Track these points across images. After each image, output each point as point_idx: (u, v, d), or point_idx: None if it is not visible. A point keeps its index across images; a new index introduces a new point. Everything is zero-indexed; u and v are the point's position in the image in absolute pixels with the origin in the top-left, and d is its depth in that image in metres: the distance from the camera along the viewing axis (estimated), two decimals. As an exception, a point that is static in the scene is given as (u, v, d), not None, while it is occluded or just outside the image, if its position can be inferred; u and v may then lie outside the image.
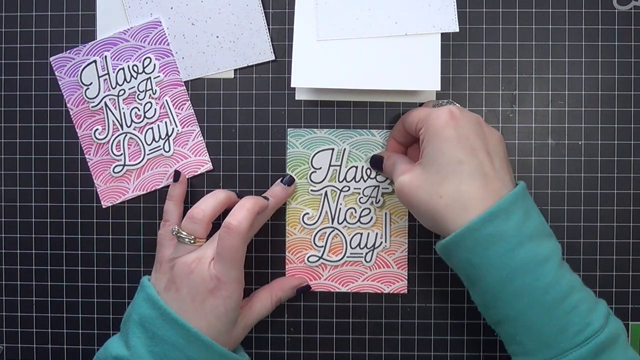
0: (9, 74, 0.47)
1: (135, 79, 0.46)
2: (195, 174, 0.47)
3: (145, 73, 0.46)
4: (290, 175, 0.46)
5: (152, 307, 0.39)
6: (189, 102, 0.47)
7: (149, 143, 0.47)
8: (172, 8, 0.46)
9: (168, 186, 0.46)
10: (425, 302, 0.47)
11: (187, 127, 0.47)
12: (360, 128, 0.46)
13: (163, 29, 0.46)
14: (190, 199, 0.46)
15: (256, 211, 0.41)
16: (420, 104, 0.46)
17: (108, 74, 0.46)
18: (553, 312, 0.35)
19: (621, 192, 0.46)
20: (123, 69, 0.46)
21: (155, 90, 0.46)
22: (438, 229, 0.39)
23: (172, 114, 0.46)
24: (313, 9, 0.44)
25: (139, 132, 0.47)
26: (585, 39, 0.46)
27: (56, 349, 0.47)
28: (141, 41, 0.46)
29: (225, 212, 0.42)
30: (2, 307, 0.47)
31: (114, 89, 0.46)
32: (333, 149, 0.46)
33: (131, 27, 0.46)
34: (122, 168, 0.47)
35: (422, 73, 0.43)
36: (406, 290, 0.46)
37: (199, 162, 0.47)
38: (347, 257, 0.46)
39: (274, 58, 0.46)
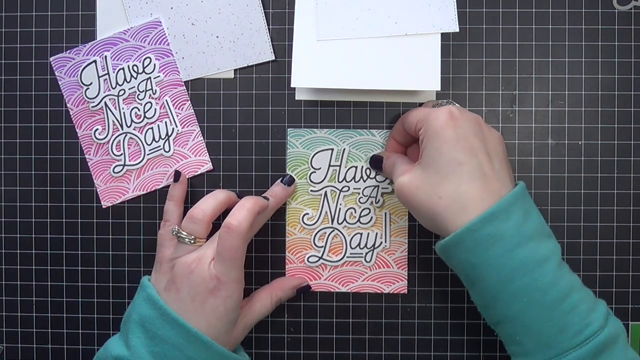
0: (9, 74, 0.47)
1: (135, 79, 0.46)
2: (195, 174, 0.47)
3: (145, 73, 0.46)
4: (290, 175, 0.46)
5: (152, 307, 0.39)
6: (189, 102, 0.47)
7: (149, 143, 0.47)
8: (172, 8, 0.46)
9: (168, 186, 0.46)
10: (425, 302, 0.47)
11: (187, 127, 0.47)
12: (360, 128, 0.46)
13: (163, 29, 0.46)
14: (190, 199, 0.46)
15: (256, 211, 0.41)
16: (420, 104, 0.46)
17: (108, 74, 0.46)
18: (552, 313, 0.35)
19: (621, 192, 0.46)
20: (123, 69, 0.46)
21: (155, 90, 0.46)
22: (437, 230, 0.39)
23: (172, 114, 0.46)
24: (313, 9, 0.44)
25: (139, 132, 0.47)
26: (585, 39, 0.46)
27: (56, 349, 0.47)
28: (141, 41, 0.46)
29: (226, 212, 0.42)
30: (2, 307, 0.47)
31: (114, 89, 0.46)
32: (333, 149, 0.46)
33: (131, 27, 0.46)
34: (122, 168, 0.47)
35: (422, 73, 0.43)
36: (406, 290, 0.46)
37: (199, 162, 0.47)
38: (347, 257, 0.46)
39: (274, 58, 0.46)
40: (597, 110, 0.46)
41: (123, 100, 0.46)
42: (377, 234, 0.46)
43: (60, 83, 0.47)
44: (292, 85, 0.43)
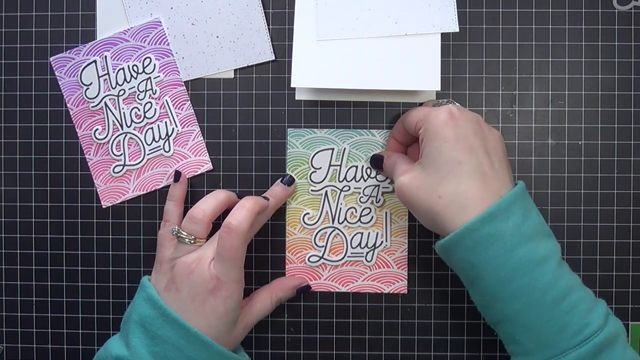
0: (9, 74, 0.47)
1: (135, 79, 0.46)
2: (195, 174, 0.47)
3: (145, 73, 0.46)
4: (290, 175, 0.46)
5: (153, 307, 0.39)
6: (189, 102, 0.47)
7: (149, 143, 0.47)
8: (172, 8, 0.46)
9: (168, 186, 0.46)
10: (425, 302, 0.47)
11: (187, 127, 0.47)
12: (360, 128, 0.46)
13: (163, 29, 0.46)
14: (190, 199, 0.46)
15: (256, 211, 0.41)
16: (420, 104, 0.46)
17: (108, 74, 0.46)
18: (552, 312, 0.35)
19: (621, 192, 0.46)
20: (123, 69, 0.46)
21: (155, 90, 0.46)
22: (437, 229, 0.39)
23: (172, 114, 0.46)
24: (313, 9, 0.44)
25: (139, 132, 0.47)
26: (585, 39, 0.46)
27: (56, 349, 0.47)
28: (141, 41, 0.46)
29: (226, 212, 0.42)
30: (2, 307, 0.47)
31: (114, 89, 0.46)
32: (333, 149, 0.46)
33: (131, 27, 0.46)
34: (122, 168, 0.47)
35: (422, 73, 0.43)
36: (406, 290, 0.46)
37: (199, 162, 0.47)
38: (348, 256, 0.46)
39: (274, 58, 0.46)
40: (597, 110, 0.46)
41: (123, 100, 0.46)
42: (377, 233, 0.46)
43: (60, 83, 0.47)
44: (292, 85, 0.43)
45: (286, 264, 0.47)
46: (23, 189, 0.47)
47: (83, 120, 0.47)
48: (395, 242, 0.46)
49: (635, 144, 0.46)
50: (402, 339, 0.47)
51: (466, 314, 0.46)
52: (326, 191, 0.46)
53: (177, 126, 0.47)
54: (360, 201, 0.46)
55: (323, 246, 0.46)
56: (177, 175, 0.44)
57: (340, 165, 0.46)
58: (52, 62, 0.47)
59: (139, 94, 0.46)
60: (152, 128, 0.47)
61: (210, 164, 0.47)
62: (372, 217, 0.46)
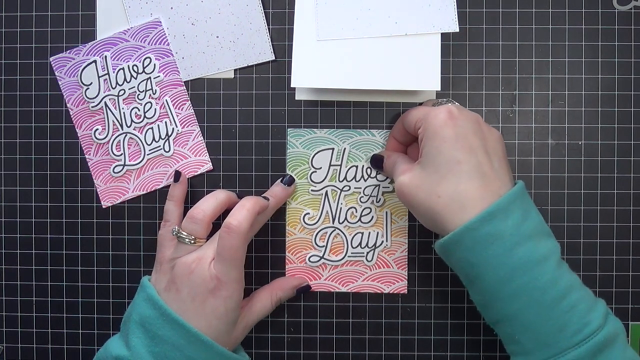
0: (9, 74, 0.47)
1: (135, 79, 0.46)
2: (195, 174, 0.47)
3: (145, 73, 0.46)
4: (290, 175, 0.46)
5: (153, 307, 0.39)
6: (189, 102, 0.47)
7: (149, 143, 0.47)
8: (172, 8, 0.46)
9: (168, 186, 0.46)
10: (425, 302, 0.47)
11: (187, 127, 0.47)
12: (360, 128, 0.46)
13: (163, 29, 0.46)
14: (190, 199, 0.46)
15: (256, 211, 0.41)
16: (420, 104, 0.46)
17: (108, 74, 0.46)
18: (551, 312, 0.35)
19: (621, 192, 0.46)
20: (123, 69, 0.46)
21: (155, 90, 0.46)
22: (437, 229, 0.39)
23: (172, 114, 0.46)
24: (313, 9, 0.44)
25: (139, 132, 0.47)
26: (585, 39, 0.46)
27: (56, 349, 0.47)
28: (141, 41, 0.46)
29: (226, 213, 0.42)
30: (2, 307, 0.47)
31: (114, 89, 0.46)
32: (333, 149, 0.46)
33: (131, 27, 0.46)
34: (122, 168, 0.47)
35: (422, 73, 0.43)
36: (406, 290, 0.46)
37: (199, 162, 0.47)
38: (349, 256, 0.46)
39: (274, 58, 0.46)
40: (597, 110, 0.46)
41: (123, 100, 0.46)
42: (378, 233, 0.46)
43: (60, 83, 0.47)
44: (292, 85, 0.43)
45: (286, 264, 0.47)
46: (23, 189, 0.47)
47: (83, 120, 0.47)
48: (396, 242, 0.46)
49: (635, 144, 0.46)
50: (402, 339, 0.47)
51: (466, 314, 0.46)
52: (326, 191, 0.46)
53: (177, 126, 0.47)
54: (361, 201, 0.46)
55: (323, 246, 0.46)
56: (177, 175, 0.44)
57: (341, 165, 0.46)
58: (52, 62, 0.47)
59: (139, 94, 0.46)
60: (152, 128, 0.47)
61: (210, 164, 0.47)
62: (373, 216, 0.46)
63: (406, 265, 0.46)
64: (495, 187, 0.37)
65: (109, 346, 0.40)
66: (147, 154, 0.47)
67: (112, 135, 0.47)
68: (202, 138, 0.47)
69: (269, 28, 0.46)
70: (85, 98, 0.46)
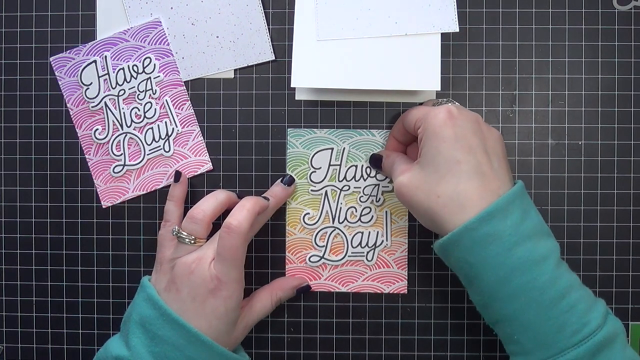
0: (9, 74, 0.47)
1: (135, 79, 0.46)
2: (195, 174, 0.47)
3: (145, 73, 0.46)
4: (290, 175, 0.46)
5: (153, 307, 0.39)
6: (189, 102, 0.47)
7: (149, 143, 0.47)
8: (172, 8, 0.46)
9: (168, 186, 0.46)
10: (425, 302, 0.47)
11: (187, 127, 0.47)
12: (360, 128, 0.46)
13: (163, 29, 0.46)
14: (190, 199, 0.46)
15: (256, 211, 0.41)
16: (421, 104, 0.46)
17: (108, 74, 0.46)
18: (550, 312, 0.35)
19: (621, 192, 0.46)
20: (123, 69, 0.46)
21: (155, 90, 0.46)
22: (436, 229, 0.39)
23: (172, 114, 0.46)
24: (313, 9, 0.44)
25: (139, 132, 0.47)
26: (585, 39, 0.46)
27: (56, 349, 0.47)
28: (141, 41, 0.46)
29: (226, 213, 0.42)
30: (2, 307, 0.47)
31: (114, 89, 0.46)
32: (332, 149, 0.46)
33: (131, 27, 0.46)
34: (122, 168, 0.47)
35: (422, 73, 0.43)
36: (406, 290, 0.46)
37: (199, 162, 0.47)
38: (349, 256, 0.46)
39: (274, 58, 0.46)
40: (597, 110, 0.46)
41: (123, 100, 0.46)
42: (378, 232, 0.46)
43: (60, 83, 0.47)
44: (292, 85, 0.43)
45: (286, 264, 0.47)
46: (23, 189, 0.47)
47: (83, 120, 0.47)
48: (395, 242, 0.46)
49: (635, 144, 0.46)
50: (402, 339, 0.47)
51: (466, 314, 0.46)
52: (326, 191, 0.46)
53: (177, 126, 0.47)
54: (360, 200, 0.46)
55: (323, 246, 0.46)
56: (178, 175, 0.44)
57: (340, 165, 0.46)
58: (52, 62, 0.47)
59: (139, 94, 0.46)
60: (152, 128, 0.47)
61: (210, 164, 0.47)
62: (372, 216, 0.46)
63: (406, 265, 0.46)
64: (495, 187, 0.37)
65: (109, 346, 0.40)
66: (147, 154, 0.47)
67: (112, 135, 0.47)
68: (202, 138, 0.47)
69: (269, 28, 0.46)
70: (85, 98, 0.46)
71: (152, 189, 0.47)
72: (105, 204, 0.47)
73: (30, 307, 0.47)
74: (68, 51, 0.47)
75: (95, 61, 0.46)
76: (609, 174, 0.46)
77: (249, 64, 0.46)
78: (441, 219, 0.37)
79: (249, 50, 0.46)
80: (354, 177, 0.46)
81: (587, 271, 0.46)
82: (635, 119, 0.46)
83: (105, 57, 0.46)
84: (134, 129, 0.47)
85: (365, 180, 0.46)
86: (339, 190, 0.46)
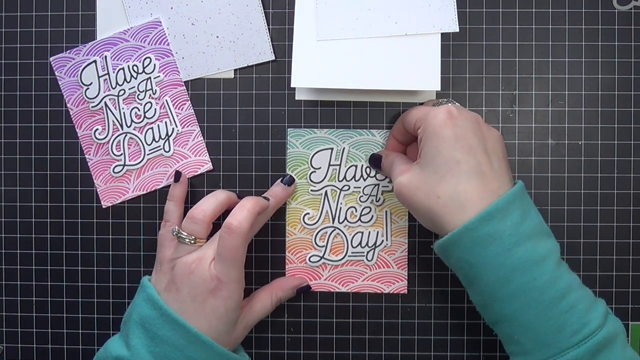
0: (9, 74, 0.47)
1: (135, 79, 0.46)
2: (195, 174, 0.47)
3: (145, 73, 0.46)
4: (290, 175, 0.46)
5: (153, 308, 0.39)
6: (189, 102, 0.47)
7: (149, 143, 0.47)
8: (172, 8, 0.46)
9: (168, 186, 0.46)
10: (425, 302, 0.47)
11: (187, 127, 0.47)
12: (360, 128, 0.46)
13: (163, 29, 0.46)
14: (190, 199, 0.46)
15: (257, 211, 0.41)
16: (420, 104, 0.46)
17: (108, 74, 0.46)
18: (550, 312, 0.35)
19: (621, 192, 0.46)
20: (123, 69, 0.46)
21: (155, 90, 0.46)
22: (436, 229, 0.39)
23: (172, 114, 0.46)
24: (313, 9, 0.44)
25: (139, 132, 0.47)
26: (585, 39, 0.46)
27: (56, 349, 0.47)
28: (141, 41, 0.46)
29: (226, 213, 0.42)
30: (2, 307, 0.47)
31: (114, 89, 0.46)
32: (332, 149, 0.46)
33: (131, 27, 0.46)
34: (122, 168, 0.47)
35: (422, 73, 0.43)
36: (406, 290, 0.46)
37: (199, 162, 0.47)
38: (349, 256, 0.46)
39: (274, 58, 0.46)
40: (597, 110, 0.46)
41: (123, 100, 0.46)
42: (378, 232, 0.46)
43: (60, 83, 0.47)
44: (292, 85, 0.43)
45: (286, 264, 0.47)
46: (23, 189, 0.47)
47: (83, 120, 0.47)
48: (395, 242, 0.46)
49: (635, 144, 0.46)
50: (402, 339, 0.47)
51: (466, 314, 0.46)
52: (326, 191, 0.46)
53: (177, 126, 0.47)
54: (360, 200, 0.46)
55: (323, 246, 0.46)
56: (178, 175, 0.44)
57: (340, 165, 0.46)
58: (52, 62, 0.47)
59: (139, 94, 0.46)
60: (152, 128, 0.47)
61: (210, 164, 0.47)
62: (372, 216, 0.46)
63: (406, 265, 0.46)
64: (495, 187, 0.37)
65: (109, 346, 0.40)
66: (147, 154, 0.47)
67: (112, 135, 0.47)
68: (202, 138, 0.47)
69: (269, 28, 0.46)
70: (85, 98, 0.46)
71: (152, 189, 0.47)
72: (105, 204, 0.47)
73: (30, 307, 0.47)
74: (68, 51, 0.47)
75: (95, 61, 0.46)
76: (609, 174, 0.46)
77: (249, 64, 0.46)
78: (441, 219, 0.37)
79: (249, 50, 0.46)
80: (354, 177, 0.46)
81: (587, 271, 0.46)
82: (635, 119, 0.46)
83: (105, 57, 0.46)
84: (134, 129, 0.47)
85: (365, 180, 0.46)
86: (338, 190, 0.46)
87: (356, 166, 0.46)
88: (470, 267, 0.37)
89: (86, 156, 0.47)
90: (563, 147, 0.46)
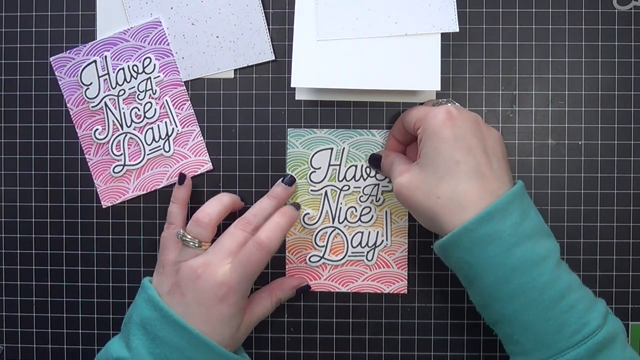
0: (9, 74, 0.47)
1: (135, 79, 0.46)
2: (195, 174, 0.47)
3: (145, 73, 0.46)
4: (291, 175, 0.46)
5: (153, 309, 0.39)
6: (189, 102, 0.47)
7: (149, 143, 0.47)
8: (172, 8, 0.46)
9: (168, 186, 0.46)
10: (425, 302, 0.47)
11: (187, 127, 0.47)
12: (360, 128, 0.46)
13: (163, 29, 0.46)
14: (191, 199, 0.46)
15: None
16: (420, 104, 0.46)
17: (108, 74, 0.46)
18: (550, 312, 0.35)
19: (621, 192, 0.46)
20: (123, 69, 0.46)
21: (155, 90, 0.46)
22: (436, 229, 0.39)
23: (172, 114, 0.46)
24: (313, 9, 0.44)
25: (139, 132, 0.47)
26: (585, 39, 0.46)
27: (56, 349, 0.47)
28: (141, 41, 0.46)
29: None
30: (2, 307, 0.47)
31: (114, 89, 0.46)
32: (332, 149, 0.46)
33: (131, 27, 0.46)
34: (122, 168, 0.47)
35: (422, 73, 0.43)
36: (406, 290, 0.46)
37: (199, 162, 0.47)
38: (349, 256, 0.46)
39: (274, 58, 0.46)
40: (597, 110, 0.46)
41: (123, 100, 0.46)
42: (378, 232, 0.46)
43: (60, 83, 0.47)
44: (292, 85, 0.43)
45: (286, 264, 0.47)
46: (23, 189, 0.47)
47: (83, 120, 0.47)
48: (395, 242, 0.46)
49: (635, 144, 0.46)
50: (402, 339, 0.47)
51: (466, 314, 0.46)
52: (326, 191, 0.46)
53: (177, 126, 0.47)
54: (360, 200, 0.46)
55: (324, 246, 0.46)
56: (182, 177, 0.44)
57: (340, 165, 0.46)
58: (52, 62, 0.47)
59: (139, 94, 0.46)
60: (152, 128, 0.47)
61: (210, 164, 0.47)
62: (372, 216, 0.46)
63: (406, 265, 0.46)
64: (494, 188, 0.37)
65: (110, 347, 0.40)
66: (147, 154, 0.47)
67: (112, 135, 0.47)
68: (202, 138, 0.47)
69: (269, 28, 0.46)
70: (85, 98, 0.46)
71: (152, 189, 0.47)
72: (105, 204, 0.47)
73: (30, 307, 0.47)
74: (68, 51, 0.47)
75: (95, 61, 0.46)
76: (609, 174, 0.46)
77: (249, 64, 0.46)
78: (440, 219, 0.37)
79: (249, 50, 0.46)
80: (354, 177, 0.46)
81: (587, 271, 0.46)
82: (635, 119, 0.46)
83: (105, 57, 0.46)
84: (134, 129, 0.47)
85: (365, 180, 0.46)
86: (338, 190, 0.46)
87: (356, 166, 0.46)
88: (469, 267, 0.37)
89: (86, 156, 0.47)
90: (563, 147, 0.46)
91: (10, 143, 0.47)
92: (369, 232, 0.46)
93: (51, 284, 0.47)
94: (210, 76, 0.47)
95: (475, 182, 0.36)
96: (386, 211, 0.46)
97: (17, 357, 0.48)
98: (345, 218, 0.46)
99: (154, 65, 0.46)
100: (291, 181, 0.45)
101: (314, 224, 0.46)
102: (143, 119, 0.46)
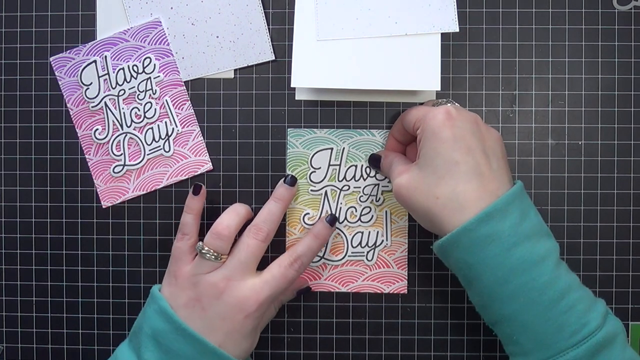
0: (9, 74, 0.47)
1: (135, 79, 0.46)
2: (195, 174, 0.47)
3: (145, 73, 0.46)
4: (292, 175, 0.46)
5: (166, 321, 0.39)
6: (189, 102, 0.47)
7: (149, 143, 0.47)
8: (172, 8, 0.46)
9: (168, 186, 0.46)
10: (425, 302, 0.47)
11: (187, 127, 0.47)
12: (360, 128, 0.46)
13: (163, 29, 0.46)
14: (190, 199, 0.46)
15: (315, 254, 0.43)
16: (420, 104, 0.46)
17: (108, 74, 0.46)
18: (549, 312, 0.35)
19: (621, 192, 0.46)
20: (123, 69, 0.46)
21: (155, 90, 0.46)
22: (435, 230, 0.39)
23: (172, 114, 0.46)
24: (313, 9, 0.44)
25: (139, 132, 0.47)
26: (585, 39, 0.46)
27: (56, 349, 0.47)
28: (141, 41, 0.46)
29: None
30: (2, 307, 0.47)
31: (114, 89, 0.46)
32: (332, 149, 0.46)
33: (131, 27, 0.46)
34: (122, 168, 0.47)
35: (422, 73, 0.43)
36: (406, 290, 0.46)
37: (199, 162, 0.47)
38: (349, 256, 0.46)
39: (274, 58, 0.46)
40: (597, 110, 0.46)
41: (123, 100, 0.46)
42: (378, 232, 0.46)
43: (60, 83, 0.47)
44: (292, 85, 0.43)
45: (286, 264, 0.47)
46: (23, 189, 0.47)
47: (83, 120, 0.47)
48: (395, 242, 0.46)
49: (635, 144, 0.46)
50: (402, 339, 0.47)
51: (466, 314, 0.46)
52: (326, 191, 0.46)
53: (177, 126, 0.47)
54: (360, 200, 0.46)
55: (323, 246, 0.46)
56: (197, 188, 0.43)
57: (340, 165, 0.46)
58: (52, 62, 0.47)
59: (139, 94, 0.46)
60: (152, 128, 0.47)
61: (210, 164, 0.47)
62: (372, 216, 0.46)
63: (406, 265, 0.46)
64: (494, 188, 0.37)
65: (119, 357, 0.40)
66: (147, 154, 0.47)
67: (112, 135, 0.47)
68: (202, 138, 0.47)
69: (269, 28, 0.46)
70: (85, 98, 0.46)
71: (152, 189, 0.47)
72: (105, 204, 0.47)
73: (30, 307, 0.47)
74: (68, 51, 0.47)
75: (95, 61, 0.46)
76: (609, 174, 0.46)
77: (249, 64, 0.46)
78: (440, 220, 0.37)
79: (249, 50, 0.46)
80: (354, 177, 0.46)
81: (587, 271, 0.46)
82: (635, 119, 0.46)
83: (105, 57, 0.46)
84: (134, 129, 0.47)
85: (365, 180, 0.46)
86: (338, 190, 0.46)
87: (356, 166, 0.46)
88: (469, 267, 0.37)
89: (86, 156, 0.47)
90: (563, 147, 0.46)
91: (10, 143, 0.47)
92: (369, 232, 0.46)
93: (51, 284, 0.47)
94: (210, 76, 0.47)
95: (475, 182, 0.36)
96: (386, 211, 0.46)
97: (17, 357, 0.48)
98: (345, 218, 0.46)
99: (154, 65, 0.46)
100: (293, 181, 0.45)
101: (314, 224, 0.46)
102: (143, 119, 0.46)
